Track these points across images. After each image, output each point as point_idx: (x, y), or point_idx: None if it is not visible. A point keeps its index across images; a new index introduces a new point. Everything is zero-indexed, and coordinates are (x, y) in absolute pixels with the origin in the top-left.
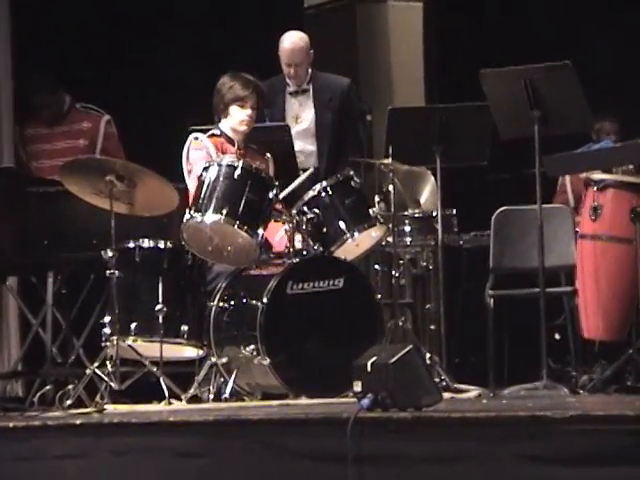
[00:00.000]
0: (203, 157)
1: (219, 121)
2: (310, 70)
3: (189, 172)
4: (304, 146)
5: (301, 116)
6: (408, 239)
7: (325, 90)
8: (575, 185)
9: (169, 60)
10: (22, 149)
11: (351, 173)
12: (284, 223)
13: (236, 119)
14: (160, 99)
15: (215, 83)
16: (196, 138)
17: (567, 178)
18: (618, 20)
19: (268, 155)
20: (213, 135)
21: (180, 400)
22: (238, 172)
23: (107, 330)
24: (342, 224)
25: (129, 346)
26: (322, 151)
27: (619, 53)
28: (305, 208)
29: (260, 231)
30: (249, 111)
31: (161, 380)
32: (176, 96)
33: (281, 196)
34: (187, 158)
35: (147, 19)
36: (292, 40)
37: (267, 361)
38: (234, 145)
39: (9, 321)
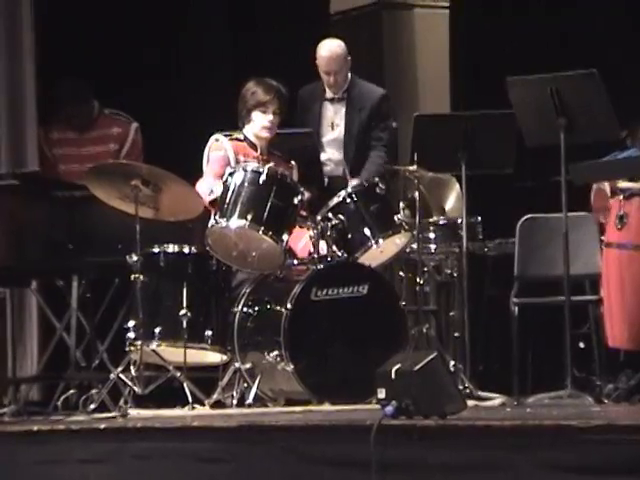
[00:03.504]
0: (220, 157)
1: (243, 127)
2: (350, 76)
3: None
4: (333, 154)
5: (336, 123)
6: (433, 246)
7: (358, 99)
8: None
9: (194, 65)
10: (48, 152)
11: (376, 180)
12: (309, 229)
13: (258, 124)
14: (185, 104)
15: (240, 89)
16: (217, 140)
17: None
18: None
19: (292, 162)
20: (236, 139)
21: (203, 405)
22: (263, 178)
23: (131, 335)
24: (367, 230)
25: (153, 351)
26: (347, 159)
27: None
28: (330, 214)
29: (285, 237)
30: (271, 117)
31: (185, 385)
32: (201, 101)
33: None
34: (207, 159)
35: (171, 23)
36: (330, 48)
37: (291, 367)
38: (257, 150)
39: (33, 325)
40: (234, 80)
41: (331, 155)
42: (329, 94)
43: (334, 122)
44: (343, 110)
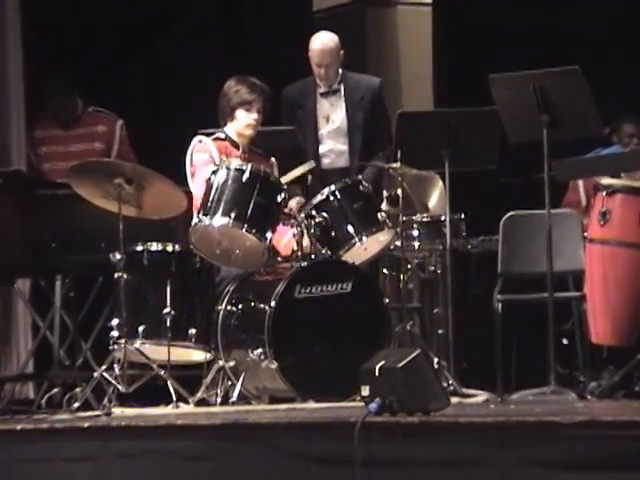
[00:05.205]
0: (206, 160)
1: (224, 125)
2: (340, 70)
3: (192, 175)
4: (335, 145)
5: (332, 116)
6: (416, 243)
7: (356, 90)
8: (587, 185)
9: (179, 63)
10: (31, 151)
11: (360, 177)
12: (292, 227)
13: (242, 123)
14: (168, 102)
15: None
16: (200, 141)
17: None
18: (636, 21)
19: (273, 160)
20: (218, 139)
21: (187, 403)
22: (247, 175)
23: (115, 333)
24: (350, 228)
25: (137, 349)
26: (354, 150)
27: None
28: (314, 212)
29: (268, 234)
30: (255, 115)
31: (169, 383)
32: (185, 99)
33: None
34: (190, 161)
35: (155, 21)
36: (322, 41)
37: (275, 365)
38: (239, 149)
39: (18, 324)
40: (220, 79)
41: (332, 146)
42: (322, 88)
43: (330, 115)
44: (341, 102)
